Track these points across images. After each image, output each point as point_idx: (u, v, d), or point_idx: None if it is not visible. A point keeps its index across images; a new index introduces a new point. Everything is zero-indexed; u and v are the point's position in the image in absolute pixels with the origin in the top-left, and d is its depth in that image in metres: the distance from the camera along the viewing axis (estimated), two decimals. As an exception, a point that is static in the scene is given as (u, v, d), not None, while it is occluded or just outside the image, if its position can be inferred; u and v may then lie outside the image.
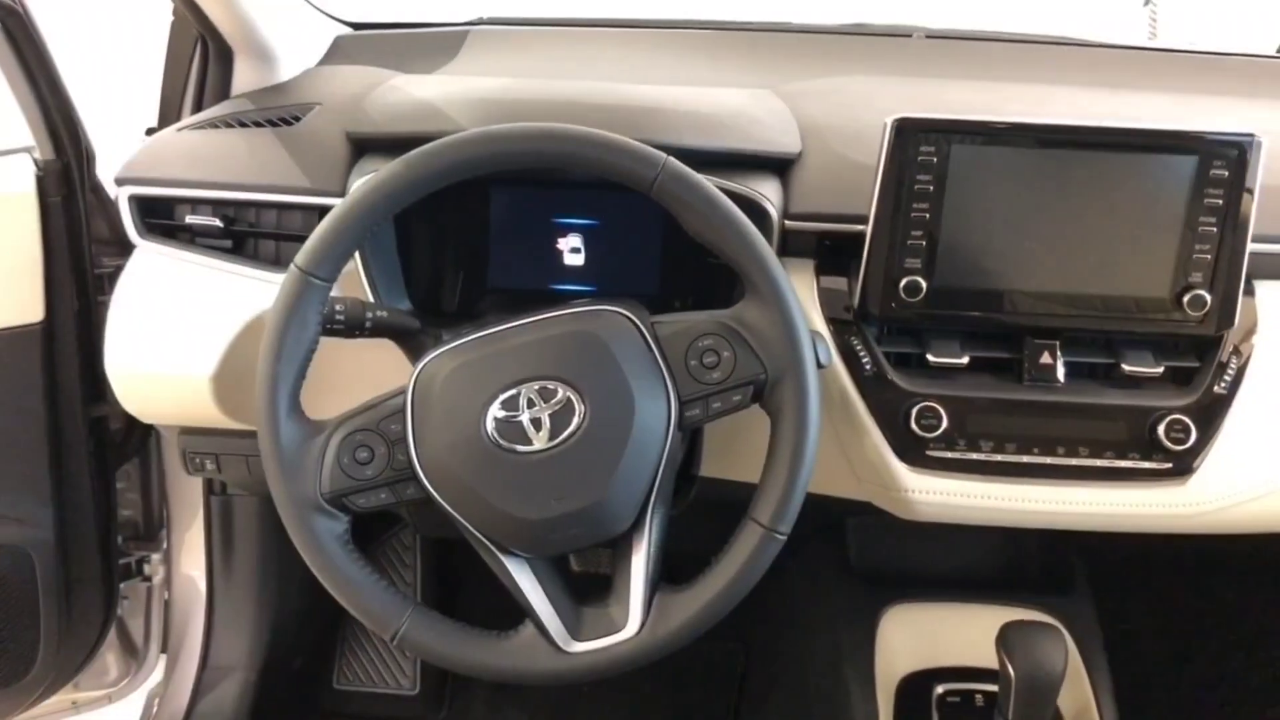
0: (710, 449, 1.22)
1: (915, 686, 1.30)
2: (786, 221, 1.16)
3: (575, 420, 0.94)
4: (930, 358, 1.13)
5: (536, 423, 0.94)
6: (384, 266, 1.21)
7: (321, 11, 1.61)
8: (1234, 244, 1.08)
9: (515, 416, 0.94)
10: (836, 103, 1.32)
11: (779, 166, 1.21)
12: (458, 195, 1.11)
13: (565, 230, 1.28)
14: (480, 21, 1.68)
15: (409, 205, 0.98)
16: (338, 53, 1.56)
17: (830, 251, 1.17)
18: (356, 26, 1.66)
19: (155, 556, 1.68)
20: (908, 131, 1.07)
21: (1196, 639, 1.90)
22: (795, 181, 1.19)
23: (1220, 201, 1.07)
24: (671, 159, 0.96)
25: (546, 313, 0.99)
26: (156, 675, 1.74)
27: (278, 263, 1.24)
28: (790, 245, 1.17)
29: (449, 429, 0.95)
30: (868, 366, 1.13)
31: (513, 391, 0.95)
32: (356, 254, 1.16)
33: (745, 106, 1.28)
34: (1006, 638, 1.10)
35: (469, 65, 1.53)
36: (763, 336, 0.96)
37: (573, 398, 0.94)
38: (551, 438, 0.94)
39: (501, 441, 0.94)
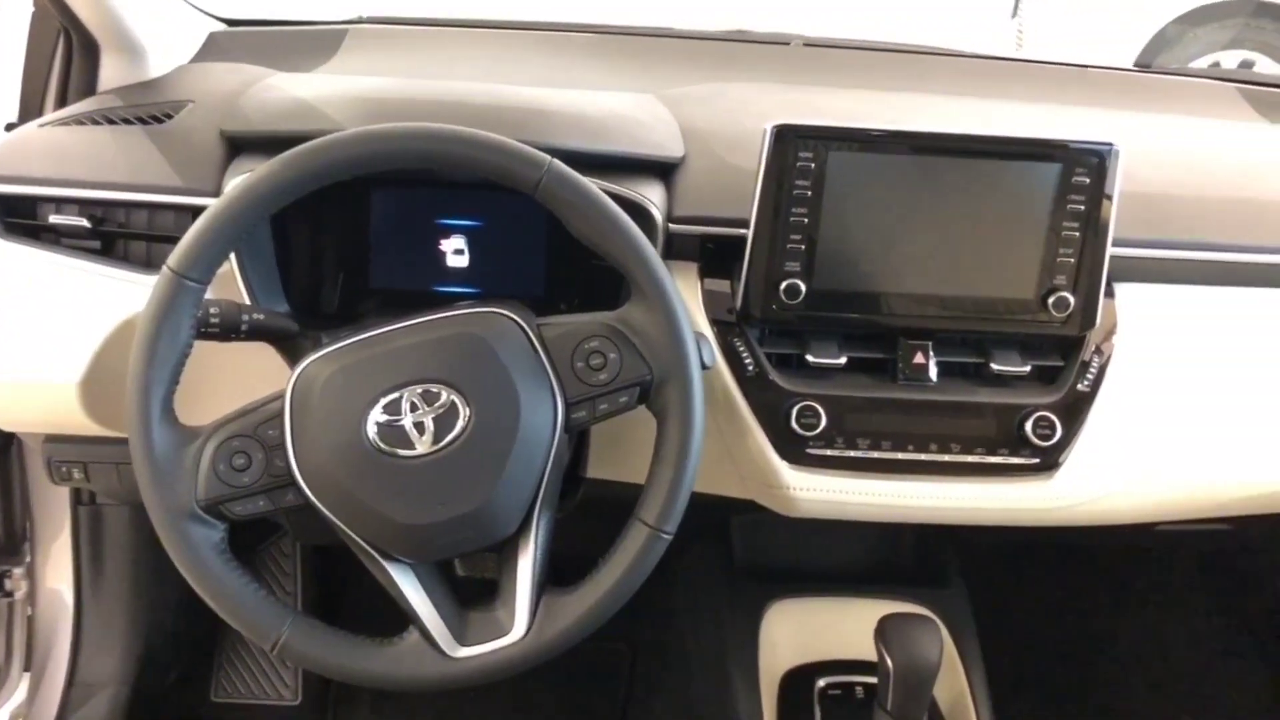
0: (596, 450, 1.23)
1: (798, 680, 1.33)
2: (670, 225, 1.17)
3: (459, 424, 0.93)
4: (810, 358, 1.16)
5: (419, 427, 0.93)
6: (260, 268, 1.18)
7: (194, 6, 1.56)
8: (1095, 248, 1.13)
9: (397, 420, 0.93)
10: (718, 108, 1.34)
11: (662, 170, 1.22)
12: (337, 196, 1.09)
13: (448, 231, 1.27)
14: (360, 20, 1.66)
15: (286, 205, 0.96)
16: (212, 49, 1.52)
17: (713, 254, 1.18)
18: (231, 23, 1.62)
19: (17, 571, 1.60)
20: (787, 137, 1.09)
21: (1066, 627, 1.99)
22: (678, 185, 1.20)
23: (1082, 207, 1.12)
24: (556, 161, 0.96)
25: (430, 315, 0.98)
26: (19, 695, 1.66)
27: (149, 265, 1.19)
28: (674, 248, 1.18)
29: (329, 434, 0.93)
30: (750, 367, 1.15)
31: (395, 395, 0.93)
32: (232, 255, 1.13)
33: (629, 110, 1.29)
34: (884, 630, 1.13)
35: (348, 64, 1.51)
36: (648, 338, 0.97)
37: (457, 401, 0.94)
38: (435, 442, 0.93)
39: (383, 446, 0.93)
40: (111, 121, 1.24)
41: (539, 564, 0.97)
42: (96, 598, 1.59)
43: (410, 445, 0.93)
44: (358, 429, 0.93)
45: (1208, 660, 2.00)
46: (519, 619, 0.96)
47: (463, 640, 0.97)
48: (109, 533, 1.57)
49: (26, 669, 1.67)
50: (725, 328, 1.16)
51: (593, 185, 0.97)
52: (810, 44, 1.70)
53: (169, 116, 1.25)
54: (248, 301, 1.15)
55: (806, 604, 1.37)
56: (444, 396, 0.94)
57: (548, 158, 0.96)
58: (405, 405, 0.93)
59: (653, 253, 0.97)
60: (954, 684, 1.34)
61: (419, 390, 0.94)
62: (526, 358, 0.96)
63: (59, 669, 1.59)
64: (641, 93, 1.37)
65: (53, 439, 1.28)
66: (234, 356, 1.08)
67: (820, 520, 1.30)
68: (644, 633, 1.84)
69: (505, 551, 0.98)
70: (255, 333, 1.06)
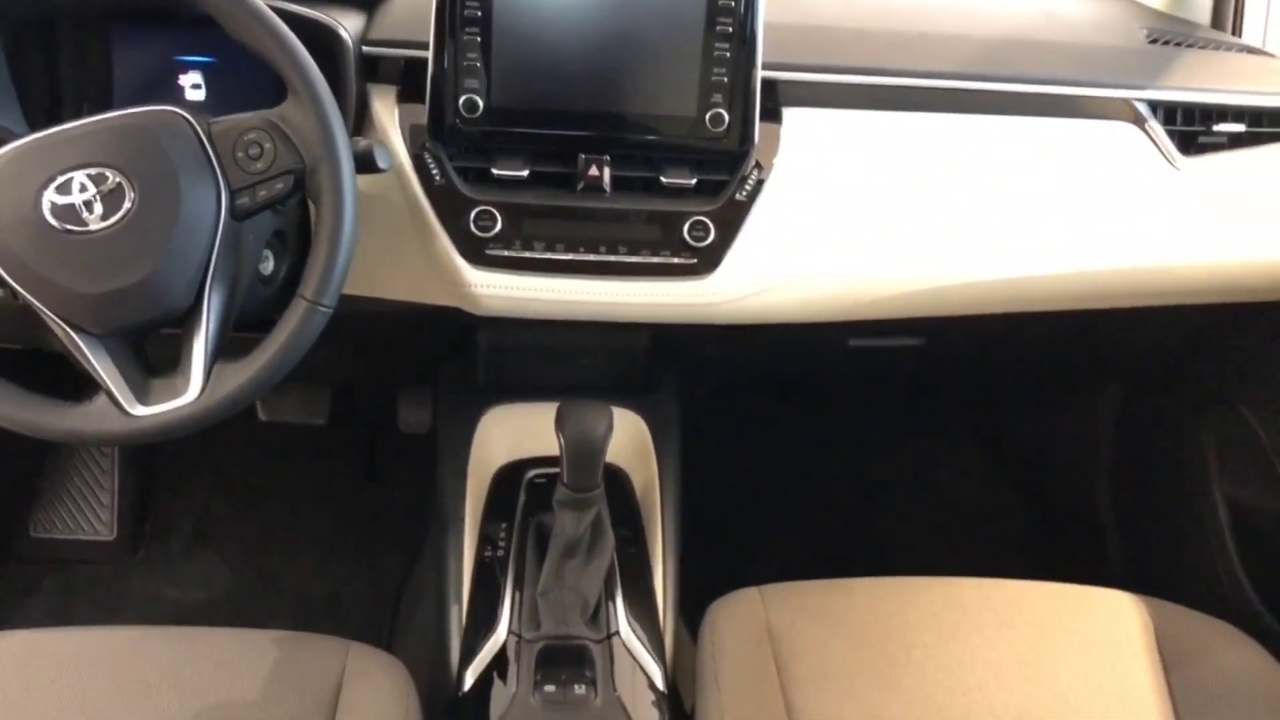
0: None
1: (509, 474, 1.46)
2: (365, 47, 1.27)
3: (126, 204, 1.05)
4: (494, 171, 1.27)
5: (89, 205, 1.04)
6: None
7: None
8: (746, 67, 1.24)
9: (69, 200, 1.05)
10: None
11: (366, 4, 1.32)
12: (76, 34, 1.25)
13: (186, 67, 1.37)
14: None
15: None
16: None
17: (408, 77, 1.29)
18: None
19: None
20: None
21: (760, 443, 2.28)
22: (382, 14, 1.31)
23: (730, 29, 1.23)
24: None
25: (110, 113, 1.09)
26: None
27: None
28: (379, 73, 1.29)
29: (8, 213, 1.05)
30: (437, 178, 1.26)
31: (66, 177, 1.04)
32: None
33: None
34: (560, 414, 1.25)
35: None
36: (300, 130, 1.08)
37: (123, 183, 1.05)
38: (104, 219, 1.04)
39: (56, 223, 1.04)
40: None
41: (211, 339, 1.09)
42: None
43: (82, 222, 1.04)
44: (34, 208, 1.04)
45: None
46: (193, 384, 1.08)
47: (144, 401, 1.09)
48: None
49: None
50: (418, 144, 1.26)
51: None
52: None
53: None
54: None
55: (521, 408, 1.50)
56: (111, 179, 1.05)
57: None
58: (76, 186, 1.04)
59: (304, 55, 1.08)
60: (648, 472, 1.48)
61: (91, 172, 1.05)
62: (190, 149, 1.07)
63: None
64: None
65: None
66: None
67: (558, 347, 1.42)
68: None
69: (185, 326, 1.10)
70: None
